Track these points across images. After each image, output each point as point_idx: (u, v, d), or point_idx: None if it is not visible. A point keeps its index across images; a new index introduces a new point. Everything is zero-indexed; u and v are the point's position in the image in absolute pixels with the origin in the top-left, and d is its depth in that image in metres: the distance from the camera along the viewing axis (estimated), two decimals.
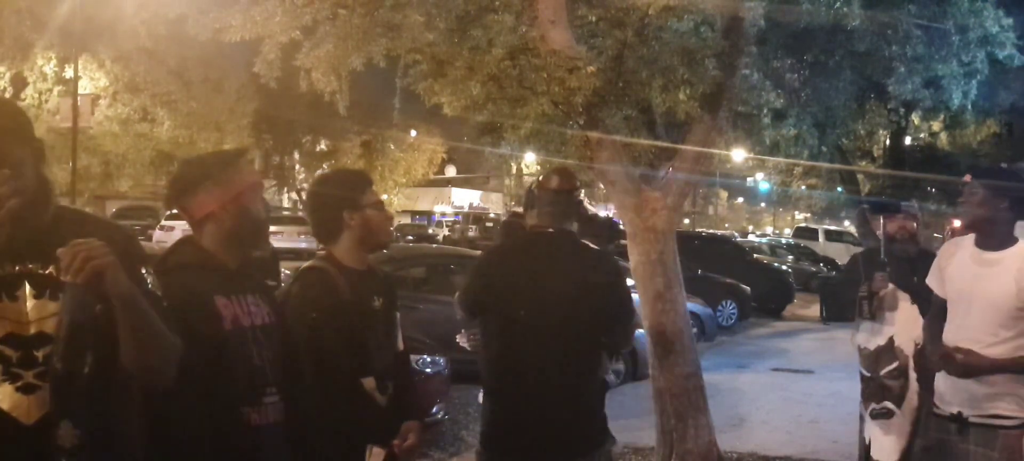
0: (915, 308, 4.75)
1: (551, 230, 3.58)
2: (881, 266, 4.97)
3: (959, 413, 3.52)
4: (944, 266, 3.67)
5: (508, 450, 3.49)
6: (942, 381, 3.60)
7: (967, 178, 3.53)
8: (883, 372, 4.88)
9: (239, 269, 2.53)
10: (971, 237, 3.61)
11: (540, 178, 3.78)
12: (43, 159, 2.06)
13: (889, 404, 4.86)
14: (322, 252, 3.19)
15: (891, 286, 4.92)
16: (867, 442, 5.16)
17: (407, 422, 3.03)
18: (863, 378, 5.08)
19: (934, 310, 3.73)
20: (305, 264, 3.18)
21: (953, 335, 3.55)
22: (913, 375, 4.83)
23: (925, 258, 5.19)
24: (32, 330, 1.97)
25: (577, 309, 3.45)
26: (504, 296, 3.52)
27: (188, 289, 2.35)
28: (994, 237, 3.50)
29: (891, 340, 4.89)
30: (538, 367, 3.43)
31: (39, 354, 1.96)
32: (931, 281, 3.73)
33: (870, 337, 4.99)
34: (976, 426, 3.48)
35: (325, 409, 2.84)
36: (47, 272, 1.97)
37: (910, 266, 4.93)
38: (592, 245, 4.10)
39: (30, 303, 1.97)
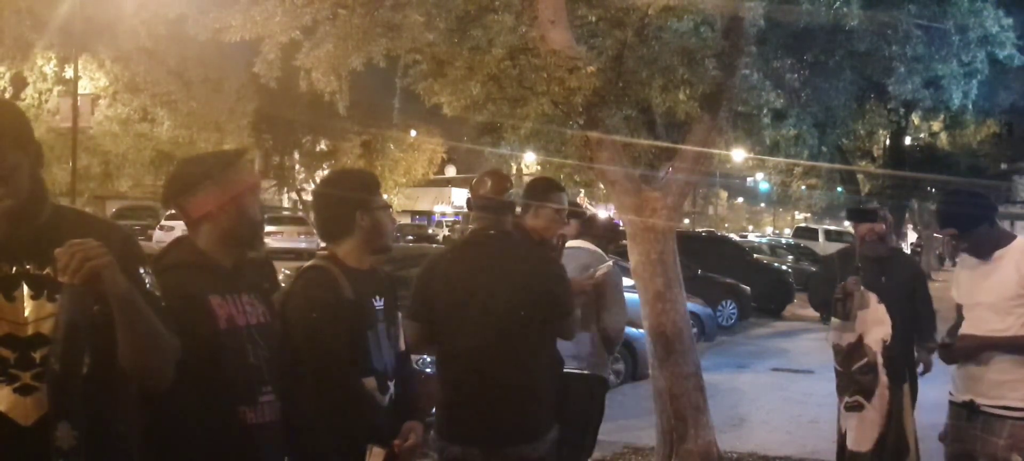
0: (883, 307, 5.11)
1: (490, 232, 3.68)
2: (855, 270, 5.17)
3: (971, 401, 3.84)
4: (958, 274, 4.08)
5: (458, 436, 3.58)
6: (957, 371, 3.94)
7: (952, 232, 3.94)
8: (854, 368, 5.14)
9: (234, 269, 2.53)
10: None
11: (473, 182, 3.83)
12: (41, 161, 2.05)
13: (860, 398, 5.11)
14: (323, 251, 3.18)
15: (862, 287, 5.13)
16: (842, 432, 5.43)
17: (408, 422, 3.03)
18: (837, 373, 5.33)
19: (956, 315, 4.10)
20: (307, 263, 3.17)
21: (966, 331, 3.91)
22: (882, 371, 5.04)
23: (896, 258, 5.48)
24: (29, 331, 1.96)
25: (515, 305, 3.55)
26: (448, 297, 3.61)
27: (183, 289, 2.35)
28: (989, 246, 3.86)
29: (860, 338, 5.14)
30: (482, 361, 3.53)
31: (37, 355, 1.95)
32: (952, 289, 4.12)
33: (841, 335, 5.24)
34: (985, 414, 3.78)
35: (326, 409, 2.84)
36: (45, 273, 1.96)
37: (879, 266, 5.24)
38: (532, 244, 4.17)
39: (28, 304, 1.96)
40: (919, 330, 5.39)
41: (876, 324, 5.11)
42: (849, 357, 5.19)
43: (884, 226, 5.39)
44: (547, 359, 3.75)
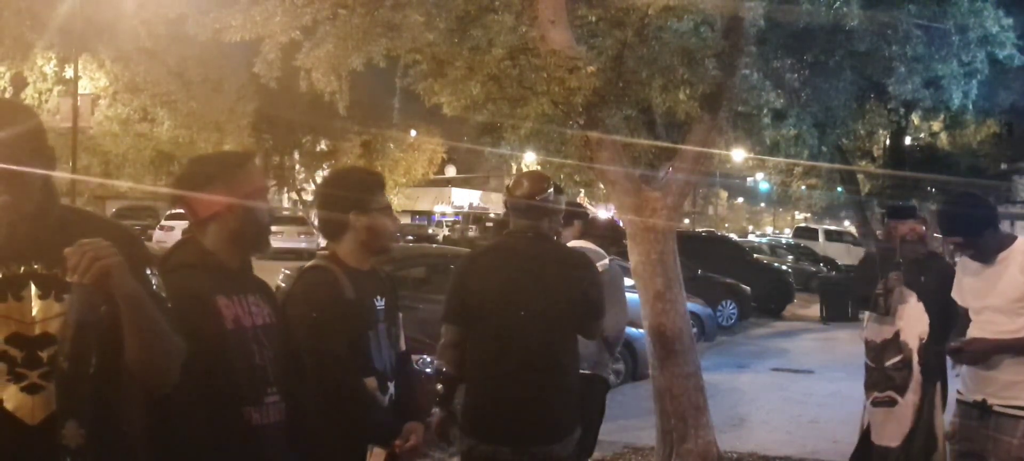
0: (921, 305, 5.11)
1: (527, 234, 3.67)
2: (896, 266, 5.22)
3: (983, 401, 3.86)
4: (961, 278, 4.08)
5: (490, 435, 3.59)
6: (967, 372, 3.97)
7: (957, 240, 3.99)
8: (888, 363, 5.16)
9: (241, 269, 2.54)
10: None
11: (510, 183, 3.81)
12: (53, 164, 2.07)
13: (893, 393, 5.14)
14: (323, 251, 3.19)
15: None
16: (865, 427, 5.44)
17: (409, 423, 3.03)
18: (867, 368, 5.36)
19: (960, 319, 4.13)
20: (308, 263, 3.18)
21: (974, 334, 3.94)
22: (917, 368, 5.08)
23: (932, 260, 5.50)
24: (37, 330, 1.96)
25: (552, 308, 3.57)
26: (484, 298, 3.61)
27: (189, 289, 2.35)
28: (991, 250, 3.89)
29: (897, 334, 5.17)
30: (518, 362, 3.54)
31: (44, 354, 1.95)
32: (954, 293, 4.14)
33: (877, 330, 5.26)
34: (998, 414, 3.80)
35: (327, 409, 2.85)
36: (53, 273, 1.97)
37: (918, 267, 5.26)
38: (569, 244, 4.14)
39: (36, 304, 1.97)
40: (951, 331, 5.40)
41: (914, 321, 5.13)
42: (883, 352, 5.22)
43: (924, 227, 5.45)
44: (575, 358, 3.77)
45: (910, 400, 5.14)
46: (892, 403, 5.17)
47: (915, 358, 5.12)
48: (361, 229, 3.06)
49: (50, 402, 1.93)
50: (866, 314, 5.35)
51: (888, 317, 5.17)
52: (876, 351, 5.25)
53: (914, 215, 5.51)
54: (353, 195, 3.08)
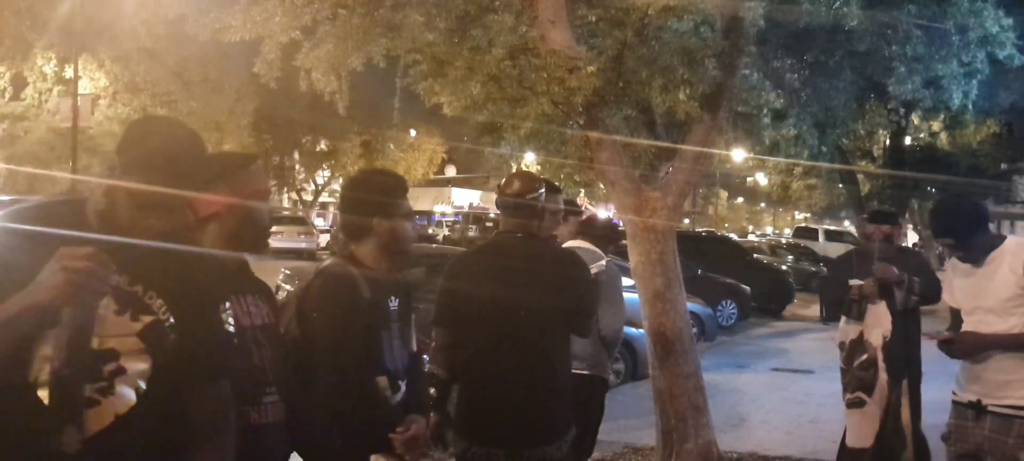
0: (883, 304, 5.16)
1: (517, 234, 3.66)
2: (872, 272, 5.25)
3: (978, 401, 3.84)
4: (951, 279, 4.06)
5: (482, 437, 3.57)
6: (961, 371, 3.96)
7: (949, 242, 3.98)
8: (856, 364, 5.19)
9: (239, 270, 2.54)
10: None
11: (501, 182, 3.80)
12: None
13: (862, 394, 5.17)
14: (324, 251, 3.19)
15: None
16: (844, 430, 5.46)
17: (412, 415, 3.02)
18: (841, 371, 5.36)
19: (952, 319, 4.12)
20: (326, 262, 3.18)
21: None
22: (882, 366, 5.11)
23: (903, 255, 5.56)
24: (104, 345, 1.95)
25: (543, 308, 3.55)
26: (474, 298, 3.60)
27: None
28: (981, 251, 3.89)
29: (861, 334, 5.20)
30: (509, 362, 3.53)
31: (105, 369, 1.94)
32: (945, 295, 4.16)
33: (846, 332, 5.29)
34: (993, 414, 3.79)
35: (338, 408, 2.85)
36: (132, 289, 1.97)
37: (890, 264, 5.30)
38: (567, 245, 4.11)
39: (110, 318, 1.95)
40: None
41: (877, 321, 5.16)
42: (851, 353, 5.24)
43: (889, 228, 5.52)
44: (567, 359, 3.76)
45: (878, 399, 5.17)
46: (862, 404, 5.19)
47: (879, 356, 5.14)
48: (384, 234, 3.06)
49: (104, 416, 1.93)
50: (842, 316, 5.38)
51: (856, 319, 5.20)
52: (846, 352, 5.28)
53: (886, 219, 5.59)
54: (378, 200, 3.08)
